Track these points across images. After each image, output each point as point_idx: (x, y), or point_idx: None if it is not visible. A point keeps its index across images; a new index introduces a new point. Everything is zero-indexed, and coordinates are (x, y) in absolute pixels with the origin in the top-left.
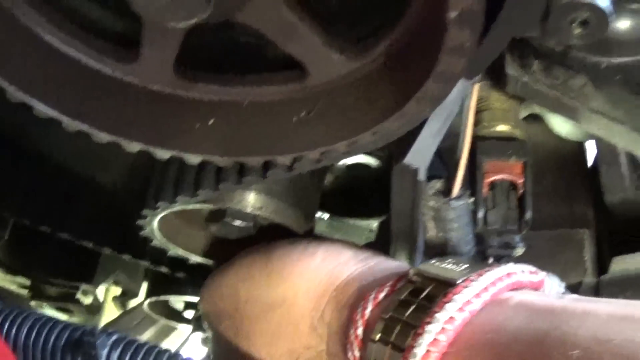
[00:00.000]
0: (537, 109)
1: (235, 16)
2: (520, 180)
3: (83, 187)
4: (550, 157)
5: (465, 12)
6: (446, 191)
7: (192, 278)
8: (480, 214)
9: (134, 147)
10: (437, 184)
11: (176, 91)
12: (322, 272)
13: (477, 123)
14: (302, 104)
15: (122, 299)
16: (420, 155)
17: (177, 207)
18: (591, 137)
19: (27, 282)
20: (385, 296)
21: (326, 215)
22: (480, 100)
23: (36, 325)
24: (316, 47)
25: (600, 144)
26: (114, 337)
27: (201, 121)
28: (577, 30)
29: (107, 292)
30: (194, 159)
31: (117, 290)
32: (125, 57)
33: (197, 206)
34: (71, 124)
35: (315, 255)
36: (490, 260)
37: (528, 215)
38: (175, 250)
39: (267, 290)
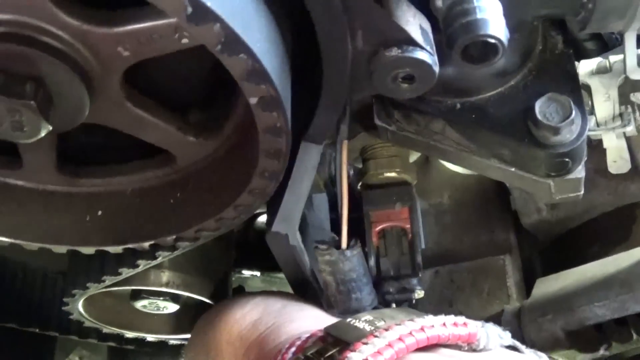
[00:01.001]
0: None
1: (86, 119)
2: (407, 226)
3: (20, 276)
4: (468, 187)
5: (263, 98)
6: (338, 245)
7: (142, 348)
8: (372, 263)
9: (32, 246)
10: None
11: (64, 188)
12: (245, 323)
13: (364, 172)
14: (176, 186)
15: None
16: (286, 222)
17: (91, 292)
18: None
19: None
20: (294, 353)
21: (258, 273)
22: (365, 149)
23: None
24: (171, 134)
25: None
26: None
27: (90, 213)
28: (405, 85)
29: None
30: (87, 250)
31: None
32: (13, 164)
33: (113, 288)
34: None
35: (244, 306)
36: (393, 306)
37: (419, 258)
38: (108, 329)
39: (204, 339)
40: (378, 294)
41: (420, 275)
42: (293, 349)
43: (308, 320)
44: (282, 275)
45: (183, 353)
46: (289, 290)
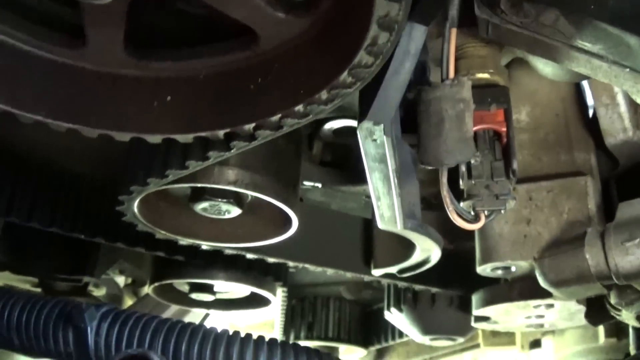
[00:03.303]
0: (519, 53)
1: None
2: (503, 129)
3: (67, 182)
4: (547, 104)
5: None
6: None
7: (191, 260)
8: (463, 168)
9: (92, 133)
10: None
11: (130, 72)
12: None
13: (454, 73)
14: (257, 71)
15: (133, 288)
16: (383, 111)
17: (151, 189)
18: (580, 77)
19: (35, 280)
20: None
21: (319, 185)
22: (456, 48)
23: (28, 304)
24: (260, 9)
25: (595, 85)
26: (103, 309)
27: (158, 100)
28: None
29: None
30: (154, 138)
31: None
32: (75, 43)
33: (173, 186)
34: (26, 117)
35: None
36: (483, 217)
37: (514, 164)
38: (162, 234)
39: None
40: (468, 201)
41: (514, 183)
42: None
43: None
44: (344, 188)
45: None
46: (349, 204)
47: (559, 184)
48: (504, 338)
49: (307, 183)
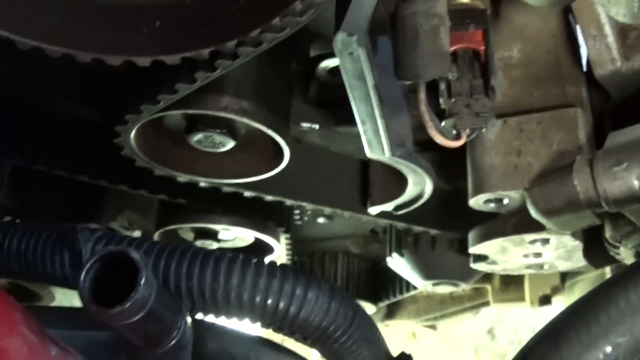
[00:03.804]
0: None
1: None
2: (481, 47)
3: (70, 124)
4: (538, 41)
5: None
6: None
7: (193, 203)
8: (443, 86)
9: (85, 57)
10: None
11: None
12: None
13: None
14: None
15: None
16: (357, 21)
17: (145, 117)
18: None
19: None
20: None
21: (317, 126)
22: None
23: (27, 230)
24: None
25: (582, 17)
26: (98, 231)
27: (147, 25)
28: None
29: None
30: (143, 61)
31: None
32: None
33: (167, 114)
34: (23, 42)
35: None
36: (464, 135)
37: (493, 81)
38: (160, 170)
39: None
40: (449, 119)
41: (493, 100)
42: None
43: None
44: (342, 129)
45: None
46: (347, 146)
47: (550, 116)
48: (513, 294)
49: (304, 124)
